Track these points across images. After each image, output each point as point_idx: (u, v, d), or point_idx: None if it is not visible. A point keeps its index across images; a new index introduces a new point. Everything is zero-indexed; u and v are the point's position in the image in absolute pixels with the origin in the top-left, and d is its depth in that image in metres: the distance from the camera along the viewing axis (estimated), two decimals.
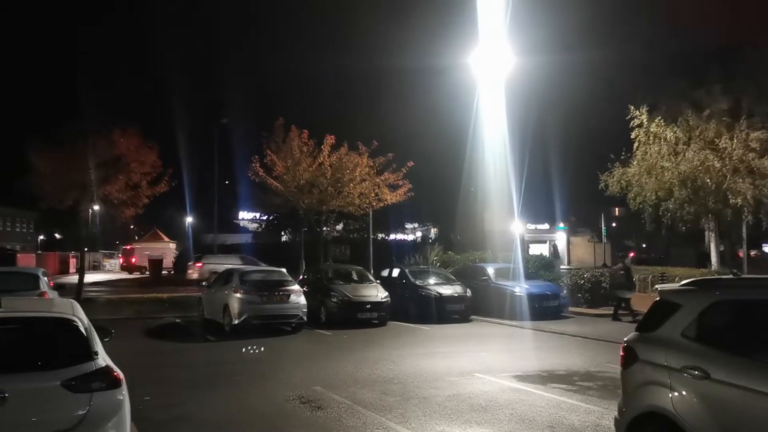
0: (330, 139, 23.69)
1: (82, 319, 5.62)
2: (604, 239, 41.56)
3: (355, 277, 19.66)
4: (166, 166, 24.26)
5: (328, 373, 11.02)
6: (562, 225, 42.06)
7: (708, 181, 22.40)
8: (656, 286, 6.94)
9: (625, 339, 5.61)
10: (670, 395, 4.84)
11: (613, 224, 49.35)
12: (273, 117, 24.67)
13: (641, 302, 17.80)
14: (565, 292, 20.49)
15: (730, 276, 5.63)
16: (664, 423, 4.80)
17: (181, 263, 41.90)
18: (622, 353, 5.55)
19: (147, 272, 44.39)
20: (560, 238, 42.53)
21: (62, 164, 21.81)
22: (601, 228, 41.10)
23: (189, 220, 56.06)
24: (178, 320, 18.85)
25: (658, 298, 5.55)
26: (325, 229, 32.15)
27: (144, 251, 50.31)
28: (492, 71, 22.15)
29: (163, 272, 43.54)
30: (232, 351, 13.52)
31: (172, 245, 56.41)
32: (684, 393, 4.76)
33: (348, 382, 10.21)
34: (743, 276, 6.39)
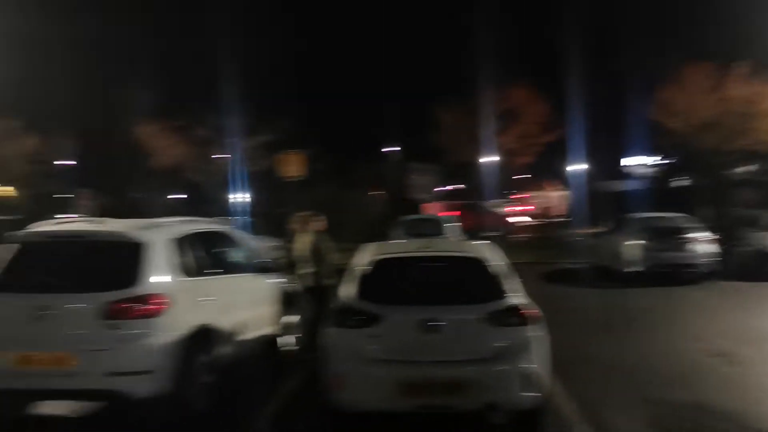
0: (740, 69, 20.98)
1: (497, 260, 6.15)
2: None
3: None
4: (557, 115, 24.56)
5: (739, 327, 10.07)
6: None
7: None
8: None
9: None
10: None
11: None
12: (668, 49, 22.93)
13: None
14: None
15: None
16: None
17: (570, 212, 42.17)
18: None
19: (539, 220, 45.85)
20: None
21: (463, 120, 23.74)
22: None
23: (577, 167, 55.83)
24: (571, 266, 19.15)
25: None
26: (729, 171, 28.99)
27: (534, 200, 51.95)
28: None
29: (554, 220, 44.44)
30: (627, 298, 13.27)
31: (562, 193, 57.05)
32: None
33: (763, 338, 9.22)
34: None
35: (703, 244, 15.21)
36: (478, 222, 29.05)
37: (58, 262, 6.12)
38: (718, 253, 15.44)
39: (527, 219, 50.62)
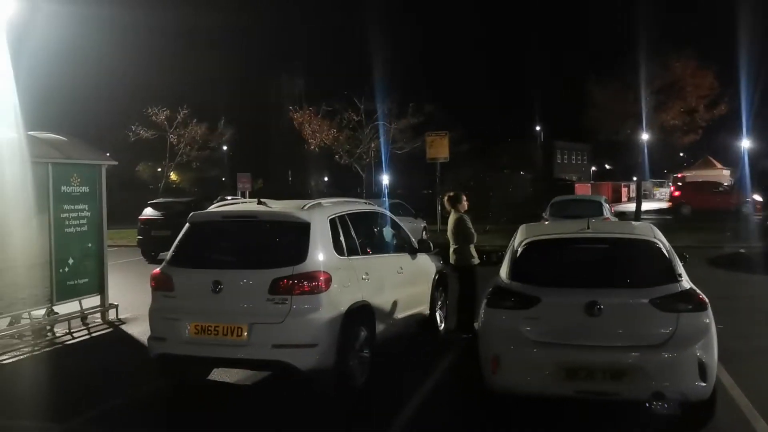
0: None
1: (663, 242, 5.82)
2: None
3: None
4: (725, 88, 22.69)
5: None
6: None
7: None
8: None
9: None
10: None
11: None
12: None
13: None
14: None
15: None
16: None
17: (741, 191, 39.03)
18: None
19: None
20: None
21: (617, 96, 22.60)
22: None
23: (745, 144, 51.47)
24: (742, 250, 17.76)
25: None
26: None
27: (696, 179, 48.62)
28: None
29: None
30: None
31: (726, 172, 52.99)
32: None
33: None
34: None
35: None
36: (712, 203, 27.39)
37: (233, 240, 6.55)
38: None
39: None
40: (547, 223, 9.74)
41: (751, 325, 9.01)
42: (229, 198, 12.20)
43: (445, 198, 9.34)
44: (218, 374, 6.81)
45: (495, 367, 5.36)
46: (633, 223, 9.15)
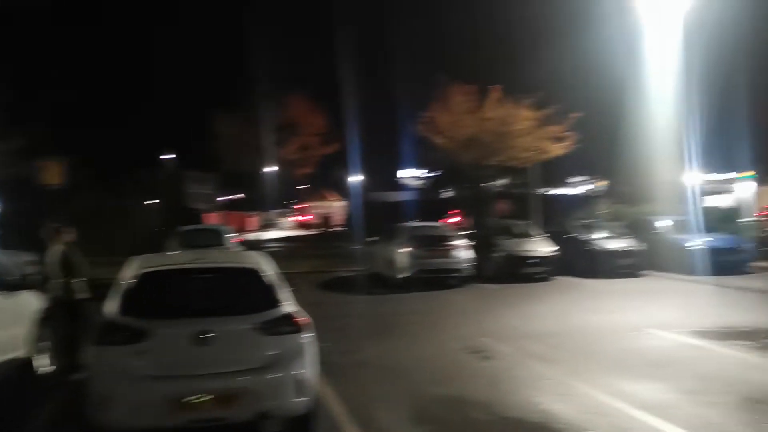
0: (494, 92, 23.33)
1: (269, 270, 6.18)
2: None
3: (521, 231, 19.48)
4: (335, 128, 25.33)
5: (496, 326, 11.18)
6: (747, 174, 38.52)
7: None
8: None
9: None
10: None
11: None
12: (435, 71, 24.74)
13: None
14: (748, 245, 18.99)
15: None
16: None
17: (348, 220, 43.74)
18: None
19: (318, 230, 46.84)
20: (745, 187, 39.04)
21: (241, 130, 23.53)
22: None
23: (355, 179, 58.10)
24: (348, 274, 19.80)
25: None
26: (487, 184, 32.00)
27: (314, 210, 53.04)
28: (664, 10, 20.57)
29: (333, 229, 45.72)
30: (399, 303, 14.09)
31: (341, 204, 58.93)
32: None
33: (515, 335, 10.30)
34: None
35: (463, 251, 16.61)
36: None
37: None
38: (476, 258, 16.96)
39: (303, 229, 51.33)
40: (160, 254, 9.58)
41: (355, 340, 10.10)
42: None
43: (49, 228, 8.55)
44: None
45: (105, 405, 5.12)
46: (244, 252, 9.57)
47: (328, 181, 64.95)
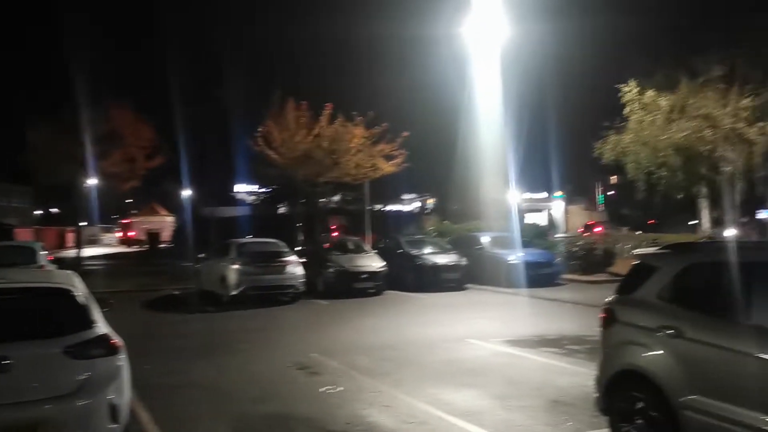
0: (327, 110, 23.70)
1: (79, 289, 5.79)
2: (601, 207, 41.81)
3: (351, 247, 19.86)
4: (163, 140, 24.37)
5: (326, 341, 11.26)
6: (559, 194, 42.20)
7: (700, 149, 22.32)
8: (634, 251, 7.13)
9: (606, 301, 5.82)
10: (646, 354, 5.07)
11: (611, 192, 49.50)
12: (270, 87, 24.72)
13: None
14: (559, 259, 20.75)
15: (704, 240, 5.83)
16: (640, 380, 5.04)
17: (178, 236, 42.13)
18: (602, 315, 5.76)
19: (145, 246, 44.63)
20: (556, 206, 42.73)
21: (58, 138, 21.90)
22: (597, 196, 41.36)
23: (186, 193, 56.14)
24: (176, 292, 19.07)
25: (636, 262, 5.75)
26: (322, 200, 32.31)
27: (142, 225, 50.53)
28: (486, 40, 22.11)
29: (161, 245, 43.78)
30: (230, 321, 13.79)
31: (170, 219, 56.62)
32: (658, 351, 4.98)
33: (345, 349, 10.44)
34: (716, 240, 6.59)
35: (295, 267, 16.61)
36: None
37: None
38: (308, 274, 17.03)
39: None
40: None
41: (181, 360, 9.71)
42: None
43: None
44: None
45: None
46: (54, 271, 8.91)
47: (158, 195, 62.31)
